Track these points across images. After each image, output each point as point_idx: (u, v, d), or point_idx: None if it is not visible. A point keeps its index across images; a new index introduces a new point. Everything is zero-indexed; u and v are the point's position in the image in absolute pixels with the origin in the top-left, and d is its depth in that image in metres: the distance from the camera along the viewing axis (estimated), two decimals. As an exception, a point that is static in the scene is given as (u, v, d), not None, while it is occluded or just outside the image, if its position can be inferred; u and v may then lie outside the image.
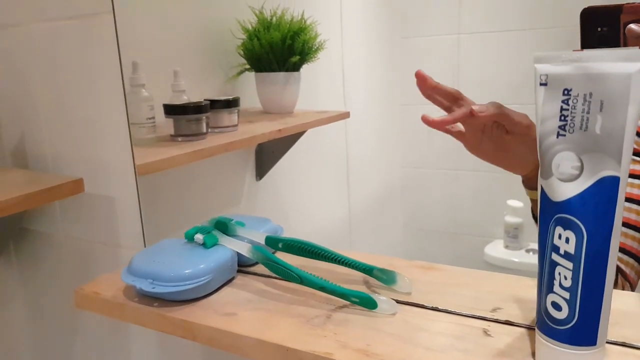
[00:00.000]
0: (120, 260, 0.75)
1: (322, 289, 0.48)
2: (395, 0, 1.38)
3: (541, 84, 0.34)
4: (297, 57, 0.96)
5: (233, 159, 0.93)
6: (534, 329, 0.39)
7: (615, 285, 0.50)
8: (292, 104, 1.01)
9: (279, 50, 0.94)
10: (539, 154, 0.35)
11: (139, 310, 0.50)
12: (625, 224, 0.52)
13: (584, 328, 0.34)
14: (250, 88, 0.96)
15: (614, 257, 0.33)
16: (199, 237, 0.54)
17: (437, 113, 1.35)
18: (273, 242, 0.55)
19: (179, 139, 0.76)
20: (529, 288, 0.48)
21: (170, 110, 0.75)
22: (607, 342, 0.39)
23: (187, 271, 0.50)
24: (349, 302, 0.47)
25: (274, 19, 0.95)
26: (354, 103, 1.28)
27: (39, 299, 0.89)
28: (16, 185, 0.69)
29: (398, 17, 1.38)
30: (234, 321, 0.46)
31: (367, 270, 0.51)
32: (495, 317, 0.44)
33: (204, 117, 0.78)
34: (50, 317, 0.89)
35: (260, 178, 1.02)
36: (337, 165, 1.31)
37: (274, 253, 0.54)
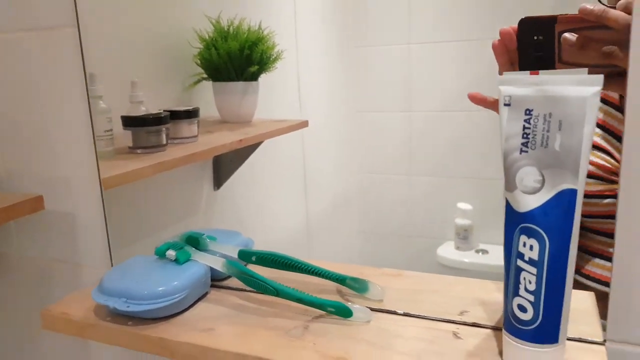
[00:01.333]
0: (82, 279, 0.73)
1: (299, 300, 0.49)
2: (348, 11, 1.41)
3: (505, 105, 0.36)
4: (256, 66, 0.96)
5: (190, 169, 0.93)
6: (500, 329, 0.42)
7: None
8: (250, 113, 1.02)
9: (237, 59, 0.94)
10: (503, 169, 0.37)
11: (112, 330, 0.49)
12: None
13: (547, 328, 0.37)
14: (207, 97, 0.96)
15: (573, 262, 0.36)
16: (171, 253, 0.54)
17: (390, 119, 1.39)
18: (246, 255, 0.55)
19: (138, 150, 0.75)
20: (492, 291, 0.51)
21: (129, 122, 0.74)
22: (567, 339, 0.43)
23: (160, 289, 0.50)
24: (325, 312, 0.49)
25: (231, 28, 0.95)
26: (310, 111, 1.30)
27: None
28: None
29: (351, 27, 1.41)
30: (212, 337, 0.47)
31: (340, 279, 0.53)
32: (463, 320, 0.46)
33: (164, 129, 0.78)
34: (4, 342, 0.85)
35: (218, 188, 1.02)
36: (294, 172, 1.32)
37: (246, 266, 0.54)
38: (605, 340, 0.43)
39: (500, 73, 0.46)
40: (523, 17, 0.46)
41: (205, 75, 0.95)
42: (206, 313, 0.51)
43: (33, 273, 0.78)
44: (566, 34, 0.43)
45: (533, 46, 0.45)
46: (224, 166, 1.02)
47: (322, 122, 1.40)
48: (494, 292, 0.51)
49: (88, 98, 0.65)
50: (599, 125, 0.56)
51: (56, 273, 0.75)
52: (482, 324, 0.46)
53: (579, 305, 0.47)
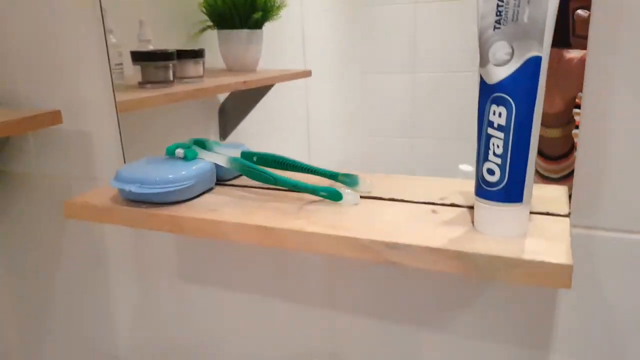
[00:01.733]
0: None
1: (295, 187, 0.54)
2: (354, -33, 1.43)
3: (480, -14, 0.41)
4: (260, 13, 1.00)
5: (197, 119, 0.97)
6: (472, 207, 0.46)
7: None
8: (254, 61, 1.05)
9: (242, 6, 0.98)
10: (478, 46, 0.42)
11: (128, 212, 0.55)
12: None
13: (512, 187, 0.42)
14: (211, 48, 1.00)
15: (537, 126, 0.41)
16: (179, 151, 0.59)
17: (396, 80, 1.43)
18: (248, 156, 0.60)
19: (147, 85, 0.80)
20: (472, 186, 0.56)
21: (138, 56, 0.78)
22: (535, 213, 0.47)
23: (170, 176, 0.55)
24: (318, 198, 0.54)
25: None
26: (314, 66, 1.33)
27: (13, 238, 0.92)
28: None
29: (357, -16, 1.43)
30: (217, 214, 0.52)
31: (333, 176, 0.58)
32: (442, 202, 0.51)
33: (171, 65, 0.82)
34: (24, 254, 0.92)
35: (224, 139, 1.06)
36: (298, 131, 1.36)
37: (249, 164, 0.59)
38: (569, 213, 0.48)
39: None
40: None
41: (210, 24, 0.98)
42: (211, 200, 0.56)
43: (52, 189, 0.83)
44: (579, 11, 0.47)
45: None
46: (229, 117, 1.06)
47: (326, 79, 1.44)
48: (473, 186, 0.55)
49: (104, 26, 0.70)
50: None
51: (73, 188, 0.81)
52: (459, 204, 0.51)
53: (552, 194, 0.52)
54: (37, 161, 0.84)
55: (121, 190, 0.56)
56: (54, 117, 0.73)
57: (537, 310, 0.54)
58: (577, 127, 0.51)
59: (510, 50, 0.40)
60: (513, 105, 0.40)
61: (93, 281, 0.85)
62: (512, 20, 0.40)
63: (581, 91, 0.47)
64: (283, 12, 1.07)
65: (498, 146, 0.41)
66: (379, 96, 1.55)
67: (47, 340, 0.95)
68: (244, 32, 1.01)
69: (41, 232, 0.88)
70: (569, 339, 0.54)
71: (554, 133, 0.52)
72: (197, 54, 0.89)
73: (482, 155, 0.43)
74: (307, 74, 1.23)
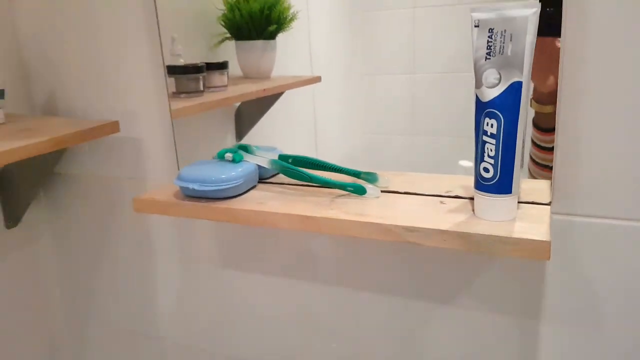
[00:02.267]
0: (144, 190, 0.91)
1: (326, 183, 0.66)
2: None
3: (475, 26, 0.53)
4: (275, 26, 1.12)
5: (216, 121, 1.08)
6: (473, 198, 0.58)
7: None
8: (269, 69, 1.17)
9: (258, 20, 1.09)
10: (474, 72, 0.54)
11: (191, 206, 0.67)
12: None
13: (503, 182, 0.54)
14: (228, 56, 1.11)
15: (521, 135, 0.53)
16: (228, 155, 0.71)
17: (397, 81, 1.53)
18: (285, 157, 0.73)
19: (182, 95, 0.92)
20: (472, 181, 0.68)
21: (174, 70, 0.90)
22: (521, 202, 0.59)
23: (223, 176, 0.67)
24: (345, 192, 0.66)
25: None
26: (320, 70, 1.44)
27: (68, 231, 1.04)
28: (63, 127, 0.83)
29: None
30: (264, 206, 0.64)
31: (356, 174, 0.70)
32: (448, 194, 0.63)
33: (201, 77, 0.94)
34: (76, 248, 1.04)
35: (240, 139, 1.17)
36: (305, 130, 1.47)
37: (286, 165, 0.72)
38: (550, 202, 0.59)
39: None
40: None
41: (228, 35, 1.07)
42: (257, 196, 0.68)
43: (104, 189, 0.96)
44: None
45: (546, 15, 0.60)
46: (244, 120, 1.17)
47: (331, 83, 1.54)
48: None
49: (161, 45, 0.82)
50: None
51: (125, 186, 0.93)
52: (462, 196, 0.63)
53: (536, 186, 0.64)
54: (91, 164, 0.96)
55: (184, 188, 0.68)
56: (113, 127, 0.85)
57: (529, 285, 0.66)
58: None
59: (498, 76, 0.52)
60: (502, 118, 0.52)
61: (139, 269, 0.98)
62: (499, 53, 0.52)
63: None
64: (293, 23, 1.18)
65: (491, 150, 0.53)
66: (381, 96, 1.66)
67: (94, 325, 1.07)
68: (260, 43, 1.12)
69: (93, 227, 1.00)
70: (555, 308, 0.66)
71: (548, 109, 0.63)
72: (223, 66, 1.01)
73: (479, 157, 0.55)
74: (317, 79, 1.35)
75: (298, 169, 0.68)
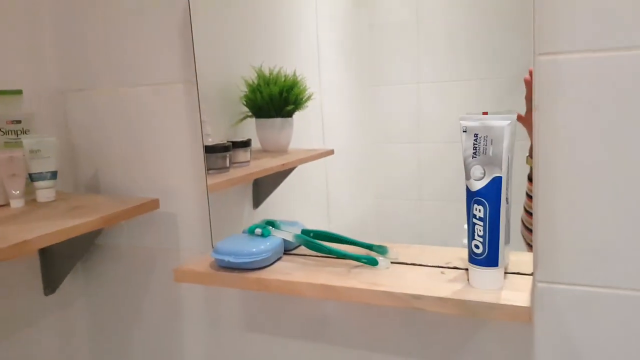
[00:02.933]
0: (179, 260, 1.02)
1: (344, 256, 0.78)
2: (364, 55, 1.68)
3: (463, 131, 0.66)
4: (292, 106, 1.25)
5: (235, 191, 1.18)
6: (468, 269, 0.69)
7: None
8: (287, 144, 1.29)
9: (277, 101, 1.22)
10: (464, 167, 0.66)
11: (226, 276, 0.78)
12: None
13: (491, 256, 0.65)
14: (248, 131, 1.22)
15: (504, 218, 0.65)
16: (258, 230, 0.83)
17: (403, 149, 1.65)
18: (307, 232, 0.85)
19: (210, 171, 1.05)
20: (466, 253, 0.79)
21: (206, 149, 1.04)
22: (508, 273, 0.71)
23: (254, 249, 0.79)
24: (360, 263, 0.77)
25: (271, 75, 1.22)
26: (332, 143, 1.56)
27: (102, 300, 1.15)
28: (108, 204, 0.96)
29: (367, 69, 1.67)
30: (291, 276, 0.75)
31: (368, 246, 0.81)
32: (447, 266, 0.75)
33: (228, 155, 1.07)
34: (109, 315, 1.14)
35: (257, 207, 1.28)
36: (318, 197, 1.57)
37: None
38: (532, 273, 0.71)
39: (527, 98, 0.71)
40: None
41: (249, 114, 1.20)
42: (283, 266, 0.80)
43: (140, 258, 1.07)
44: None
45: None
46: (261, 189, 1.28)
47: (342, 153, 1.65)
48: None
49: (202, 133, 0.96)
50: None
51: (160, 257, 1.04)
52: (459, 267, 0.74)
53: (522, 259, 0.75)
54: (129, 236, 1.08)
55: (219, 260, 0.80)
56: (154, 204, 0.97)
57: (519, 346, 0.76)
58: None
59: (483, 171, 0.65)
60: (487, 205, 0.64)
61: (169, 336, 1.07)
62: (483, 153, 0.64)
63: None
64: (309, 103, 1.31)
65: (480, 230, 0.65)
66: (389, 164, 1.77)
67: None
68: (278, 121, 1.25)
69: (126, 296, 1.11)
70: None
71: None
72: (246, 144, 1.14)
73: (471, 236, 0.67)
74: (330, 152, 1.48)
75: (319, 243, 0.80)
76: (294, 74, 1.25)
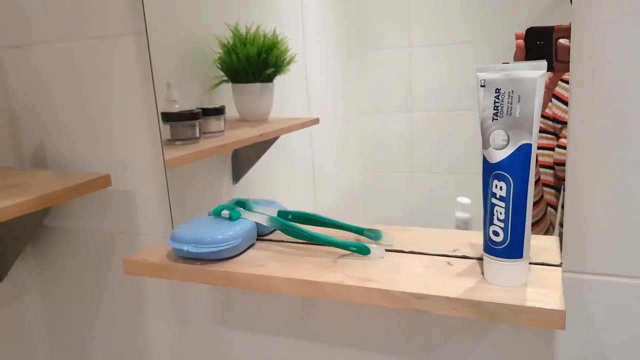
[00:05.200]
0: (137, 246, 0.88)
1: (328, 243, 0.64)
2: (351, 16, 1.55)
3: (481, 86, 0.51)
4: (272, 69, 1.11)
5: (212, 164, 1.06)
6: (482, 259, 0.56)
7: (547, 231, 0.68)
8: (267, 112, 1.16)
9: (255, 63, 1.08)
10: (480, 133, 0.52)
11: (185, 269, 0.64)
12: (545, 185, 0.70)
13: (514, 246, 0.51)
14: (225, 98, 1.10)
15: (531, 197, 0.51)
16: (225, 212, 0.69)
17: (393, 118, 1.53)
18: (284, 214, 0.70)
19: (177, 142, 0.90)
20: (479, 238, 0.65)
21: (169, 117, 0.88)
22: (532, 263, 0.57)
23: (220, 236, 0.64)
24: (348, 252, 0.63)
25: (249, 35, 1.09)
26: (318, 111, 1.44)
27: (56, 287, 1.00)
28: (52, 181, 0.81)
29: (354, 32, 1.55)
30: (264, 269, 0.61)
31: (359, 231, 0.67)
32: (455, 254, 0.61)
33: (197, 123, 0.92)
34: (65, 305, 1.00)
35: (237, 182, 1.15)
36: (303, 169, 1.45)
37: (285, 222, 0.69)
38: (561, 263, 0.57)
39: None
40: (530, 27, 0.61)
41: (225, 78, 1.06)
42: (256, 256, 0.66)
43: (95, 243, 0.92)
44: (561, 40, 0.58)
45: (537, 48, 0.60)
46: (241, 162, 1.15)
47: (329, 122, 1.54)
48: (479, 237, 0.65)
49: (155, 95, 0.80)
50: (550, 118, 0.70)
51: (116, 243, 0.90)
52: (470, 256, 0.60)
53: (546, 244, 0.62)
54: (81, 217, 0.93)
55: (177, 250, 0.65)
56: (105, 181, 0.82)
57: (540, 347, 0.63)
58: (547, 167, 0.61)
59: (506, 137, 0.50)
60: (511, 181, 0.50)
61: (131, 326, 0.94)
62: (507, 114, 0.50)
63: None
64: (291, 66, 1.17)
65: (501, 213, 0.51)
66: (378, 134, 1.65)
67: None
68: (257, 86, 1.11)
69: (83, 283, 0.96)
70: (566, 366, 0.63)
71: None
72: (219, 111, 0.99)
73: (488, 220, 0.53)
74: (315, 122, 1.34)
75: (299, 228, 0.66)
76: (274, 33, 1.11)
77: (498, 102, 0.50)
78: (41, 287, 1.02)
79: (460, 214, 1.52)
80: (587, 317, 0.60)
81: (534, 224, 0.66)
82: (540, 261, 0.57)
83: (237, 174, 1.15)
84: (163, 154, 0.80)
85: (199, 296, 0.86)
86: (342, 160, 1.61)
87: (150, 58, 0.78)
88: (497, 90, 0.50)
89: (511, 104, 0.50)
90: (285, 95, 1.29)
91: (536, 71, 0.48)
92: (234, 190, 1.14)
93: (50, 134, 0.92)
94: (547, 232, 0.71)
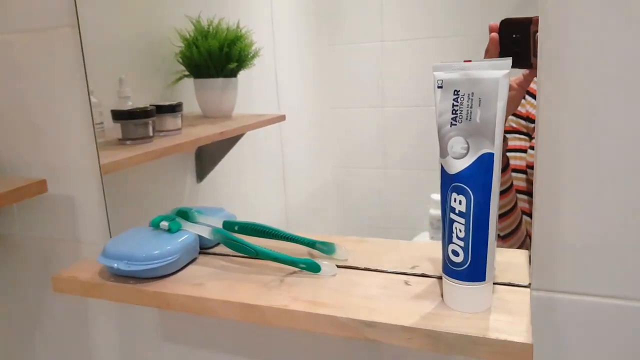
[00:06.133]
0: (81, 255, 0.80)
1: (275, 259, 0.58)
2: (322, 10, 1.49)
3: (438, 87, 0.45)
4: (235, 63, 1.04)
5: (174, 162, 0.99)
6: (442, 278, 0.50)
7: (524, 242, 0.63)
8: (230, 108, 1.09)
9: (217, 57, 1.02)
10: (438, 139, 0.46)
11: (116, 288, 0.57)
12: (517, 191, 0.65)
13: (475, 268, 0.46)
14: (188, 94, 1.03)
15: (495, 213, 0.45)
16: (164, 224, 0.62)
17: (365, 114, 1.46)
18: (230, 225, 0.63)
19: (128, 142, 0.83)
20: (439, 251, 0.60)
21: (119, 115, 0.81)
22: (497, 284, 0.52)
23: (156, 252, 0.58)
24: (297, 269, 0.57)
25: (211, 27, 1.02)
26: (288, 107, 1.37)
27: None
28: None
29: (325, 25, 1.49)
30: (202, 289, 0.55)
31: (311, 243, 0.61)
32: (413, 272, 0.55)
33: (150, 122, 0.85)
34: (7, 316, 0.92)
35: (201, 180, 1.09)
36: (273, 166, 1.39)
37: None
38: (530, 284, 0.52)
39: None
40: (504, 18, 0.55)
41: (186, 73, 1.01)
42: (196, 273, 0.59)
43: (35, 251, 0.85)
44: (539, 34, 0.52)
45: (512, 42, 0.54)
46: (206, 159, 1.09)
47: (299, 118, 1.48)
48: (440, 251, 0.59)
49: (88, 92, 0.73)
50: (523, 117, 0.65)
51: (57, 251, 0.82)
52: (430, 274, 0.55)
53: (513, 259, 0.56)
54: (20, 224, 0.85)
55: (109, 267, 0.59)
56: (40, 186, 0.75)
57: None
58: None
59: (466, 145, 0.44)
60: (471, 195, 0.44)
61: (73, 339, 0.87)
62: (466, 119, 0.44)
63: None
64: (256, 59, 1.11)
65: (460, 230, 0.46)
66: (350, 130, 1.60)
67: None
68: (220, 81, 1.05)
69: (24, 293, 0.89)
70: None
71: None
72: (175, 108, 0.92)
73: (447, 238, 0.47)
74: (281, 118, 1.28)
75: (243, 242, 0.59)
76: (238, 26, 1.04)
77: (457, 106, 0.44)
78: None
79: (435, 211, 1.47)
80: (558, 339, 0.55)
81: (506, 236, 0.61)
82: (506, 281, 0.52)
83: (202, 172, 1.09)
84: (98, 155, 0.73)
85: (145, 310, 0.79)
86: (313, 157, 1.55)
87: (83, 51, 0.70)
88: (456, 92, 0.44)
89: (471, 107, 0.44)
90: (253, 91, 1.22)
91: (499, 71, 0.42)
92: (198, 189, 1.07)
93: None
94: (524, 243, 0.65)
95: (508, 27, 0.55)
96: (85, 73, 0.71)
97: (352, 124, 1.52)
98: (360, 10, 1.41)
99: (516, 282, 0.52)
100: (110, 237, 0.74)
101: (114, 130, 0.81)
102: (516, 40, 0.55)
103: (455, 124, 0.45)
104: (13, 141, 0.81)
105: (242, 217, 1.12)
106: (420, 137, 1.52)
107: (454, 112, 0.45)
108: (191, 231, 0.62)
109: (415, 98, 1.45)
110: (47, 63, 0.74)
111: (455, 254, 0.46)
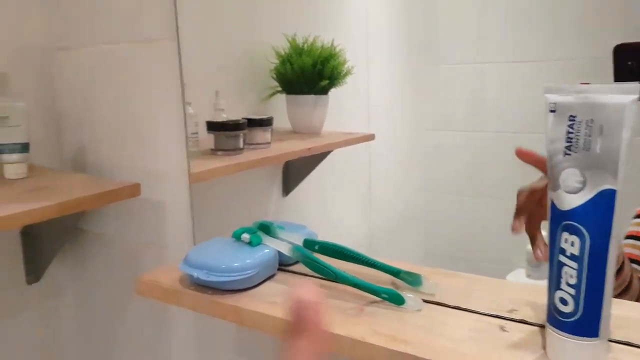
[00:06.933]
0: (166, 259, 0.82)
1: (356, 285, 0.54)
2: (418, 29, 1.44)
3: (550, 111, 0.40)
4: (327, 81, 1.03)
5: (262, 176, 1.00)
6: (544, 326, 0.44)
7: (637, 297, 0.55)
8: (320, 124, 1.09)
9: (310, 74, 1.02)
10: (548, 169, 0.41)
11: (194, 297, 0.57)
12: (632, 261, 0.57)
13: (588, 321, 0.39)
14: (280, 109, 1.03)
15: (613, 260, 0.39)
16: (245, 236, 0.61)
17: (458, 138, 1.39)
18: (310, 244, 0.61)
19: (219, 152, 0.84)
20: (543, 294, 0.53)
21: (213, 126, 0.84)
22: (613, 341, 0.44)
23: (236, 264, 0.57)
24: (379, 299, 0.53)
25: (306, 45, 1.03)
26: (378, 126, 1.34)
27: (88, 293, 0.97)
28: (80, 186, 0.77)
29: (420, 45, 1.44)
30: (276, 308, 0.52)
31: (395, 272, 0.57)
32: (511, 317, 0.49)
33: (242, 134, 0.86)
34: (96, 310, 0.97)
35: (287, 195, 1.08)
36: (360, 185, 1.36)
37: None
38: (650, 345, 0.44)
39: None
40: (618, 43, 0.49)
41: (279, 89, 1.01)
42: (272, 290, 0.57)
43: (125, 252, 0.88)
44: None
45: (627, 70, 0.48)
46: (292, 174, 1.09)
47: (390, 138, 1.44)
48: (545, 294, 0.53)
49: (183, 103, 0.75)
50: None
51: (145, 253, 0.85)
52: (530, 321, 0.48)
53: (632, 314, 0.48)
54: (113, 225, 0.89)
55: (189, 275, 0.58)
56: (133, 189, 0.77)
57: None
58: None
59: (582, 179, 0.39)
60: (587, 237, 0.38)
61: (154, 338, 0.88)
62: (584, 149, 0.38)
63: None
64: (349, 77, 1.09)
65: (571, 276, 0.40)
66: (443, 153, 1.52)
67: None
68: (311, 98, 1.04)
69: (113, 291, 0.93)
70: None
71: None
72: (266, 123, 0.93)
73: (554, 282, 0.41)
74: (370, 137, 1.25)
75: (323, 263, 0.56)
76: (332, 44, 1.03)
77: (572, 133, 0.39)
78: (75, 291, 1.00)
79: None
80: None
81: (621, 295, 0.54)
82: (623, 339, 0.44)
83: (288, 187, 1.09)
84: (189, 164, 0.74)
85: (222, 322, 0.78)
86: (402, 179, 1.50)
87: (181, 64, 0.72)
88: (572, 118, 0.39)
89: (590, 136, 0.38)
90: (344, 109, 1.21)
91: (625, 95, 0.37)
92: (282, 203, 1.07)
93: (91, 137, 0.89)
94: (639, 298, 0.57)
95: (622, 52, 0.48)
96: (182, 85, 0.73)
97: (443, 147, 1.45)
98: (459, 30, 1.35)
99: (635, 342, 0.44)
100: (194, 244, 0.74)
101: (208, 140, 0.83)
102: (631, 67, 0.48)
103: (570, 154, 0.39)
104: (114, 145, 0.85)
105: (323, 235, 1.09)
106: (518, 165, 1.42)
107: (568, 140, 0.39)
108: (272, 246, 0.61)
109: (513, 124, 1.36)
110: (148, 73, 0.77)
111: (564, 302, 0.40)
